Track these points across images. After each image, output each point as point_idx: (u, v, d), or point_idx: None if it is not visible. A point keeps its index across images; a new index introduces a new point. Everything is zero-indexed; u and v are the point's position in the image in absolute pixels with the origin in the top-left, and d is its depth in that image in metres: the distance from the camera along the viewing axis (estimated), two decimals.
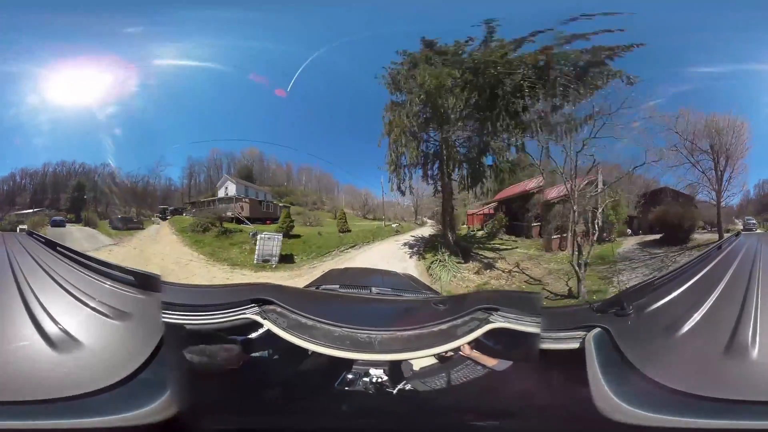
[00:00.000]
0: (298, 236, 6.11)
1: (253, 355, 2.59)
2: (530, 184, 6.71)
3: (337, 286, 3.82)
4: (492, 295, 3.65)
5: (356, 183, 7.73)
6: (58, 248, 3.61)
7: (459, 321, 2.58)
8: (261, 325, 2.56)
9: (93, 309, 2.89)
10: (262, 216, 4.89)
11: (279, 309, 2.57)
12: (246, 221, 4.45)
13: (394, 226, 7.79)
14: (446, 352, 2.40)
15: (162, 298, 2.83)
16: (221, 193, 4.95)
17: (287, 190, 6.94)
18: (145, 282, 3.15)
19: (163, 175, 4.10)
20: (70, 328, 2.64)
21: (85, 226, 3.44)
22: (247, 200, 4.67)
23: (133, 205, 4.01)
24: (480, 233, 7.92)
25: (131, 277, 3.14)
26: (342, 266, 6.42)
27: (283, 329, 2.37)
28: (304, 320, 2.45)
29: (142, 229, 3.74)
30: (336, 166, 6.98)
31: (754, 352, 2.69)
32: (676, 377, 2.33)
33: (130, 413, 2.10)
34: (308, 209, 7.08)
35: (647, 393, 2.26)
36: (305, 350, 2.35)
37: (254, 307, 2.58)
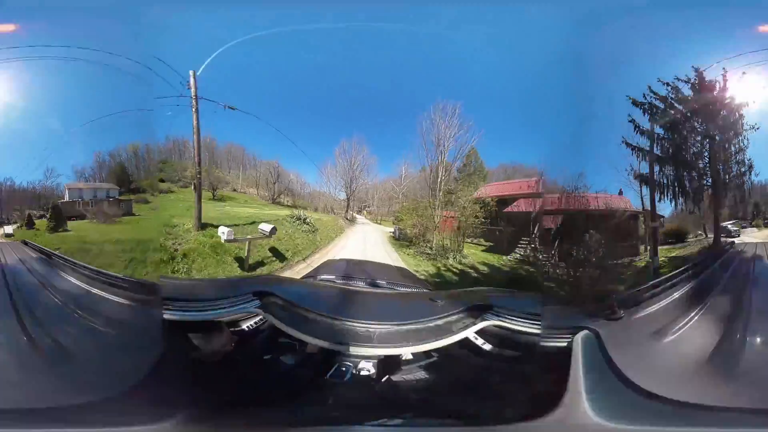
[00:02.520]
0: None
1: (252, 348, 2.62)
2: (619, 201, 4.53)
3: (334, 276, 3.89)
4: (487, 293, 3.72)
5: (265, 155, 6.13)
6: (53, 257, 3.90)
7: (454, 317, 2.66)
8: (262, 319, 2.62)
9: (86, 319, 2.91)
10: (76, 213, 4.96)
11: (280, 302, 2.63)
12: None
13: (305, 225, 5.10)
14: (440, 347, 2.45)
15: (163, 295, 2.81)
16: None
17: (165, 165, 5.64)
18: (144, 290, 3.22)
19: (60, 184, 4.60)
20: (62, 338, 2.64)
21: None
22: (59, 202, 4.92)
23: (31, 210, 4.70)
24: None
25: (128, 286, 3.27)
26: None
27: (285, 323, 2.43)
28: (305, 313, 2.52)
29: (8, 224, 4.52)
30: (248, 138, 6.02)
31: (740, 362, 2.74)
32: (659, 382, 2.38)
33: (123, 428, 2.04)
34: (179, 186, 5.48)
35: (625, 402, 2.30)
36: (299, 342, 2.41)
37: (255, 300, 2.63)
